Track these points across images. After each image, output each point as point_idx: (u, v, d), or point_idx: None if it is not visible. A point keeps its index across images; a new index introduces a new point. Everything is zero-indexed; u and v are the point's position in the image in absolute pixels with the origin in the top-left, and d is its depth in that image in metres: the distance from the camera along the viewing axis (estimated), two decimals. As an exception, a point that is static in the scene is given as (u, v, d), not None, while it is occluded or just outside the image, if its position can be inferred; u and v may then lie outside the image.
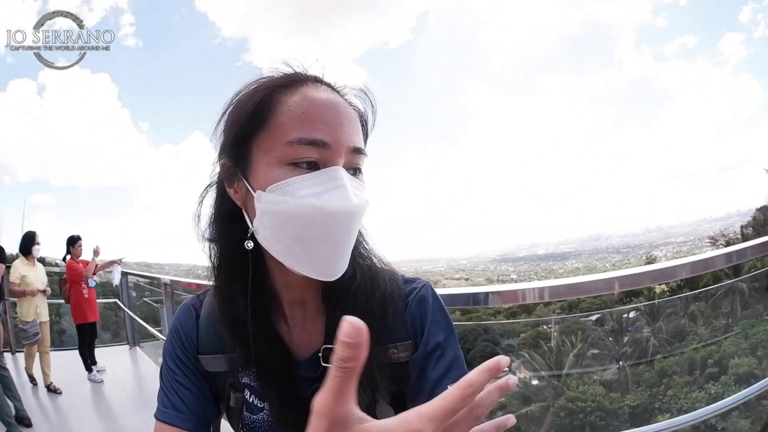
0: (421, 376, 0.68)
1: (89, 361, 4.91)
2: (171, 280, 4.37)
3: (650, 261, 68.95)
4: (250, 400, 0.71)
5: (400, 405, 0.71)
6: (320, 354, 0.66)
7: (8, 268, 4.46)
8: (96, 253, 5.06)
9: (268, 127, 0.60)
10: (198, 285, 3.98)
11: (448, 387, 0.56)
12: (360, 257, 0.70)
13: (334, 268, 0.60)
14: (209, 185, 0.70)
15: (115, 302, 6.61)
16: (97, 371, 4.93)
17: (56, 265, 5.55)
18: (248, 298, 0.65)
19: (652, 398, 14.75)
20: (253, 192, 0.60)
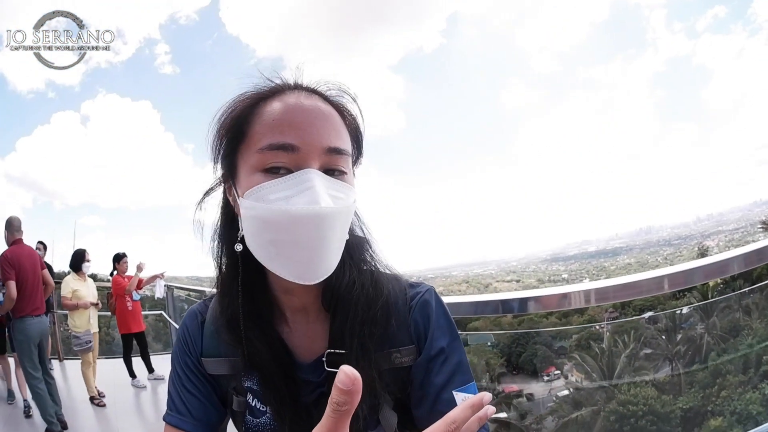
0: (425, 381, 0.68)
1: (132, 369, 5.19)
2: (211, 292, 4.53)
3: (702, 252, 66.27)
4: (253, 404, 0.73)
5: (403, 409, 0.72)
6: (324, 359, 0.67)
7: (58, 283, 4.74)
8: (139, 268, 5.35)
9: (246, 137, 0.62)
10: None
11: (453, 392, 0.65)
12: (363, 262, 0.71)
13: (311, 272, 0.59)
14: (207, 192, 0.73)
15: (161, 314, 6.88)
16: (154, 378, 5.20)
17: (107, 280, 5.86)
18: (239, 300, 0.67)
19: (705, 400, 14.03)
20: (238, 198, 0.62)
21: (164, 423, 0.74)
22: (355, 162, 0.70)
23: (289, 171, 0.59)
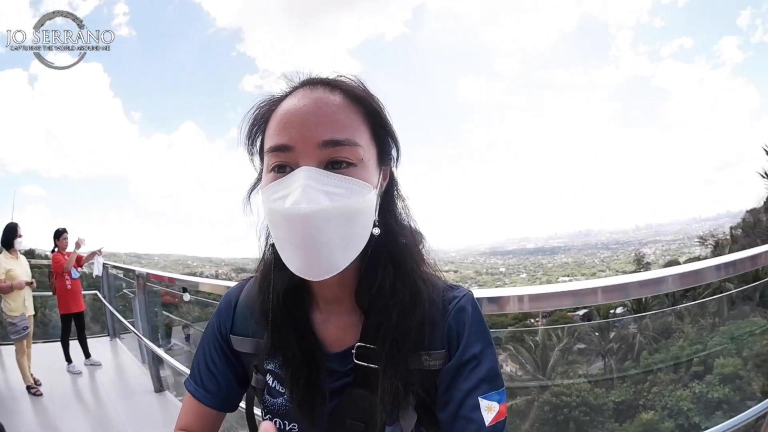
0: (452, 385, 0.68)
1: (69, 353, 4.91)
2: (145, 273, 4.31)
3: (639, 258, 69.94)
4: (272, 385, 0.75)
5: (424, 409, 0.73)
6: (353, 351, 0.70)
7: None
8: (78, 245, 5.07)
9: (264, 139, 0.66)
10: (170, 279, 3.93)
11: (479, 398, 0.66)
12: (401, 260, 0.70)
13: (312, 269, 0.61)
14: (253, 187, 0.74)
15: (96, 294, 6.55)
16: (91, 364, 4.93)
17: (46, 257, 5.49)
18: (269, 288, 0.72)
19: (637, 395, 14.92)
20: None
21: (186, 391, 0.83)
22: (383, 150, 0.69)
23: (290, 168, 0.61)
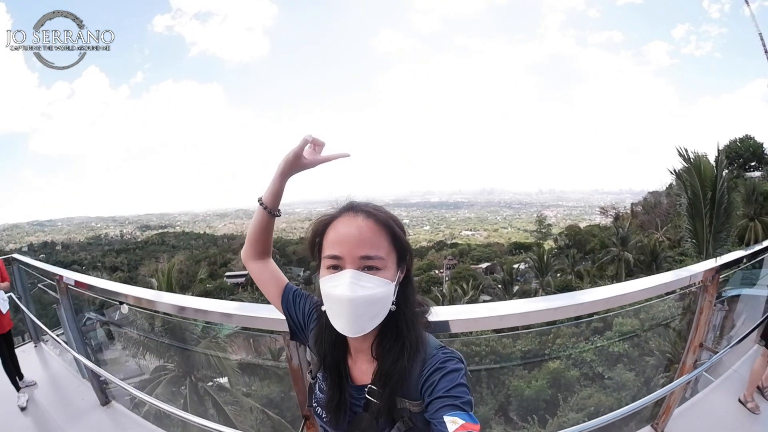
0: (430, 411, 0.99)
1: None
2: (72, 280, 3.51)
3: (541, 219, 74.68)
4: (321, 386, 1.18)
5: None
6: (366, 389, 1.09)
7: None
8: None
9: (322, 246, 1.07)
10: (102, 289, 3.16)
11: (443, 417, 0.94)
12: (404, 327, 1.08)
13: (349, 329, 1.02)
14: (312, 273, 1.21)
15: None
16: (26, 386, 3.91)
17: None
18: (323, 337, 1.15)
19: (542, 345, 16.32)
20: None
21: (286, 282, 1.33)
22: (401, 255, 1.08)
23: (341, 268, 1.01)
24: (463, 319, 1.87)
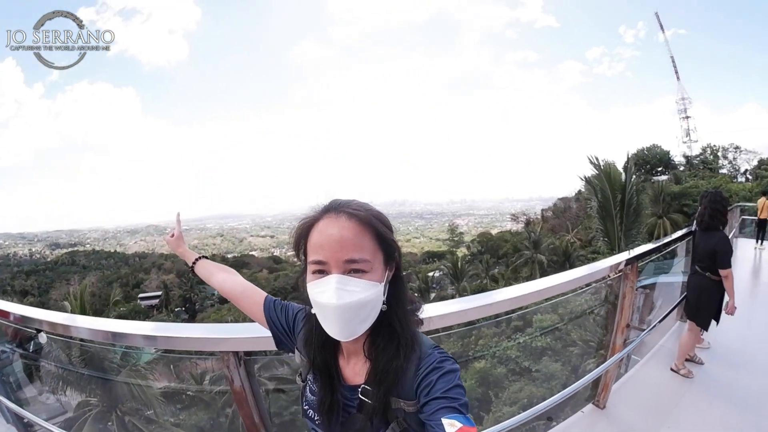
0: (425, 413, 0.97)
1: None
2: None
3: (453, 228, 77.13)
4: (311, 387, 1.16)
5: None
6: (359, 389, 1.06)
7: None
8: None
9: (306, 250, 1.04)
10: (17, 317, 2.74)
11: (441, 419, 0.92)
12: (398, 327, 1.05)
13: (339, 334, 1.00)
14: (300, 275, 1.09)
15: None
16: None
17: None
18: (313, 339, 1.13)
19: (465, 347, 16.86)
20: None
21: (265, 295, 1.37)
22: (388, 254, 1.04)
23: (326, 273, 0.98)
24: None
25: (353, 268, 0.97)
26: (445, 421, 0.91)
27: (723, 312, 3.71)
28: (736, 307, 3.66)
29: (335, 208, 1.02)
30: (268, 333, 1.31)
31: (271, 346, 1.34)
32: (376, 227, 1.01)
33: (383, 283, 1.02)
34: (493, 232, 63.88)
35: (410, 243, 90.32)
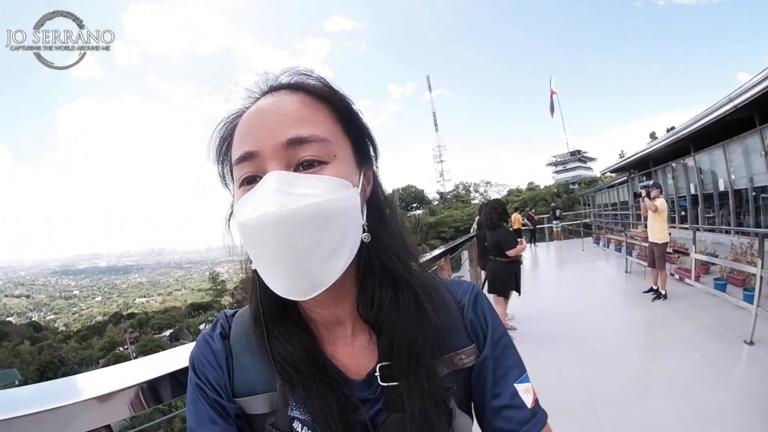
0: (487, 377, 0.69)
1: None
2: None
3: (214, 277, 73.88)
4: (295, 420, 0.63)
5: (467, 410, 0.72)
6: (377, 374, 0.63)
7: None
8: None
9: (231, 160, 0.61)
10: None
11: (515, 385, 0.67)
12: (400, 263, 0.66)
13: (294, 285, 0.55)
14: (230, 215, 0.64)
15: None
16: None
17: None
18: (255, 316, 0.65)
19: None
20: None
21: None
22: (360, 148, 0.65)
23: (259, 178, 0.57)
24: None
25: (304, 159, 0.56)
26: (519, 387, 0.67)
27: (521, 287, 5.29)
28: (524, 246, 5.28)
29: (271, 89, 0.63)
30: (172, 368, 0.81)
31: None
32: (335, 99, 0.62)
33: (357, 189, 0.60)
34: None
35: (172, 296, 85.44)
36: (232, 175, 0.62)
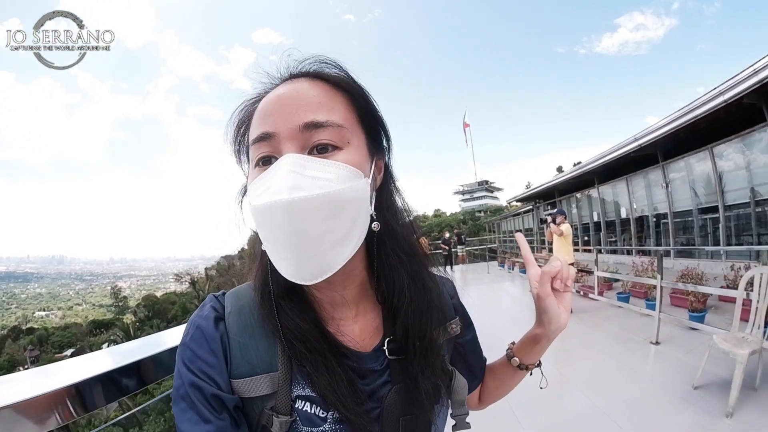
0: (471, 349, 0.82)
1: None
2: None
3: (116, 292, 69.13)
4: (312, 411, 0.60)
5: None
6: (385, 347, 0.65)
7: None
8: None
9: (249, 142, 0.62)
10: None
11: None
12: (417, 265, 0.69)
13: (305, 271, 0.55)
14: (243, 191, 0.67)
15: None
16: None
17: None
18: (263, 292, 0.64)
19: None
20: None
21: None
22: (373, 138, 0.66)
23: (275, 159, 0.57)
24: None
25: (319, 142, 0.57)
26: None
27: None
28: None
29: (292, 75, 0.63)
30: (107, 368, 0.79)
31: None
32: (353, 89, 0.63)
33: (369, 179, 0.60)
34: (158, 294, 62.40)
35: (73, 311, 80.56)
36: (248, 155, 0.63)
